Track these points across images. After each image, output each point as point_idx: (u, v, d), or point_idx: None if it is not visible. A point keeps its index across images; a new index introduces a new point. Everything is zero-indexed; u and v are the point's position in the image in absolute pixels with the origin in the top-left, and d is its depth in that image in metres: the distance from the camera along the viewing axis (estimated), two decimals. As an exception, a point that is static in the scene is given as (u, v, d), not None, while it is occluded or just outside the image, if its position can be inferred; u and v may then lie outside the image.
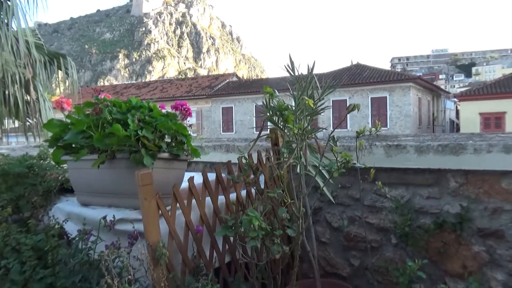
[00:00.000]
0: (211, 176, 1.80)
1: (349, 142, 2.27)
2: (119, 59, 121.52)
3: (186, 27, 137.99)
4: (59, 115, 2.06)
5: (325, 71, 26.00)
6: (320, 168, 1.68)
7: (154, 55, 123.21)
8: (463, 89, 35.59)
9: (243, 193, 1.96)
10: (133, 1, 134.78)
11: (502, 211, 1.85)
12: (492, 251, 1.88)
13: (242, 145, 2.57)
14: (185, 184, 1.77)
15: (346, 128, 21.61)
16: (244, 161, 1.78)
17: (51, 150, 2.17)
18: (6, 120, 5.92)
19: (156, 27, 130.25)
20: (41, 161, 2.20)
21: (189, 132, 1.82)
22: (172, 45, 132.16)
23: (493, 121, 22.64)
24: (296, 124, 1.62)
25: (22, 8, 5.23)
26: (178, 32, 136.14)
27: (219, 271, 1.82)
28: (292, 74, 2.12)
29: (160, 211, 1.54)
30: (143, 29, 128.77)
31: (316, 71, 2.14)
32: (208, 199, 1.77)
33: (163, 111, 1.79)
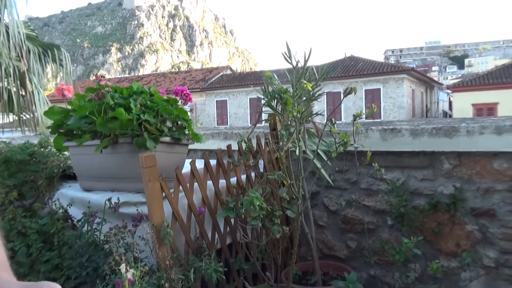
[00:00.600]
0: (211, 162, 1.84)
1: (346, 127, 2.31)
2: (112, 53, 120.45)
3: (179, 20, 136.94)
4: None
5: (319, 64, 26.02)
6: (319, 150, 1.73)
7: (147, 49, 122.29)
8: (456, 81, 35.82)
9: (243, 177, 2.01)
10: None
11: (494, 191, 1.91)
12: (485, 230, 1.95)
13: (240, 132, 2.61)
14: (185, 170, 1.81)
15: (340, 120, 21.70)
16: (243, 145, 1.82)
17: (51, 139, 2.20)
18: (0, 115, 5.88)
19: (148, 20, 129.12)
20: (42, 149, 2.22)
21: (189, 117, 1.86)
22: (165, 38, 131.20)
23: (485, 112, 22.85)
24: (294, 107, 1.66)
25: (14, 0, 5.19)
26: (170, 25, 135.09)
27: (221, 253, 1.86)
28: (289, 61, 2.15)
29: (163, 193, 1.58)
30: (135, 22, 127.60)
31: (310, 63, 2.17)
32: (209, 182, 1.81)
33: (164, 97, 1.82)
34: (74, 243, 1.55)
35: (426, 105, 28.75)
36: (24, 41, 5.08)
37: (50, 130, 1.92)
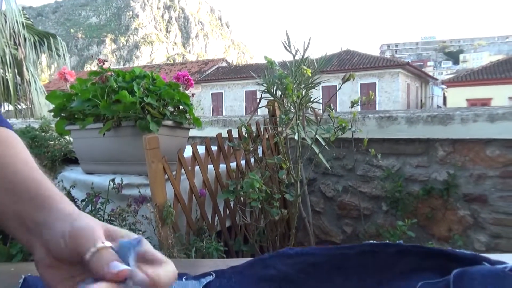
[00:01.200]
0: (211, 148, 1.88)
1: (343, 116, 2.36)
2: (106, 44, 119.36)
3: (174, 12, 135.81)
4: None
5: (315, 57, 25.98)
6: (318, 135, 1.77)
7: (141, 40, 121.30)
8: (450, 76, 36.03)
9: (242, 162, 2.05)
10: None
11: (486, 177, 1.97)
12: (476, 215, 2.01)
13: (238, 119, 2.64)
14: (186, 155, 1.85)
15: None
16: (243, 130, 1.86)
17: (52, 124, 2.22)
18: (-3, 104, 5.85)
19: (143, 11, 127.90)
20: (43, 133, 2.24)
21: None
22: (160, 30, 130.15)
23: (479, 107, 23.03)
24: (294, 93, 1.70)
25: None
26: (166, 16, 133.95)
27: (221, 235, 1.91)
28: (289, 50, 2.19)
29: (166, 175, 1.62)
30: (130, 13, 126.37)
31: (307, 54, 2.21)
32: (210, 167, 1.85)
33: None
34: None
35: (421, 100, 28.90)
36: (22, 29, 5.05)
37: (52, 113, 1.95)
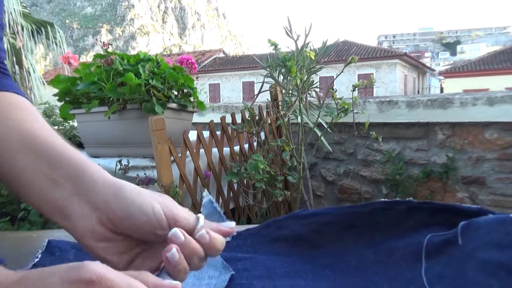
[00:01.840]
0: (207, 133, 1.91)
1: (344, 100, 2.39)
2: (102, 35, 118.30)
3: (171, 2, 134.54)
4: (50, 89, 2.10)
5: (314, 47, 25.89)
6: (320, 119, 1.80)
7: (138, 31, 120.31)
8: (447, 67, 36.07)
9: (245, 146, 2.08)
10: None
11: (484, 160, 2.01)
12: (474, 197, 2.06)
13: (240, 105, 2.67)
14: (191, 139, 1.88)
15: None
16: (247, 113, 1.89)
17: (56, 109, 2.24)
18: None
19: (139, 1, 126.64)
20: (47, 118, 2.26)
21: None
22: (156, 20, 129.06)
23: (476, 98, 23.10)
24: (297, 76, 1.72)
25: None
26: (162, 7, 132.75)
27: (224, 216, 1.95)
28: (290, 35, 2.21)
29: (171, 157, 1.65)
30: (126, 3, 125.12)
31: (307, 41, 2.23)
32: (214, 149, 1.89)
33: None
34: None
35: (418, 91, 28.97)
36: (19, 17, 5.03)
37: (57, 97, 1.96)
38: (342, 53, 24.88)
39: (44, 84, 5.80)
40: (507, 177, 1.95)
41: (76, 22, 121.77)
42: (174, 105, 1.79)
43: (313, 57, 1.75)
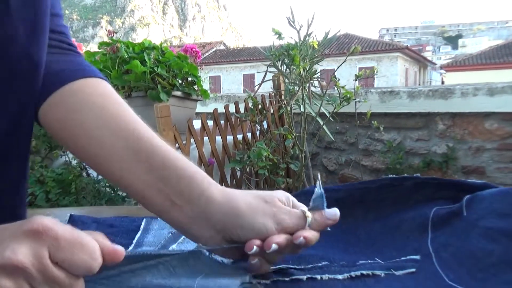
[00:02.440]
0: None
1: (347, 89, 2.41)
2: (102, 26, 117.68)
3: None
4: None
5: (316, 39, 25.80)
6: (322, 108, 1.82)
7: (138, 22, 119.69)
8: (449, 61, 35.97)
9: (248, 135, 2.10)
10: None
11: (484, 150, 2.03)
12: (473, 186, 2.09)
13: (243, 95, 2.69)
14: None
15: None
16: (250, 102, 1.91)
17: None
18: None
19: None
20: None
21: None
22: (157, 12, 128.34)
23: (476, 92, 23.08)
24: (301, 64, 1.74)
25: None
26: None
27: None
28: (293, 25, 2.22)
29: (176, 144, 1.67)
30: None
31: (309, 31, 2.24)
32: (218, 138, 1.91)
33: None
34: (93, 188, 1.64)
35: (419, 85, 28.93)
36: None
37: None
38: (344, 46, 24.77)
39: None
40: (506, 166, 1.98)
41: (76, 13, 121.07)
42: (178, 93, 1.80)
43: (316, 46, 1.76)
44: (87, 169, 1.86)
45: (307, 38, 2.06)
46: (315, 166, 2.58)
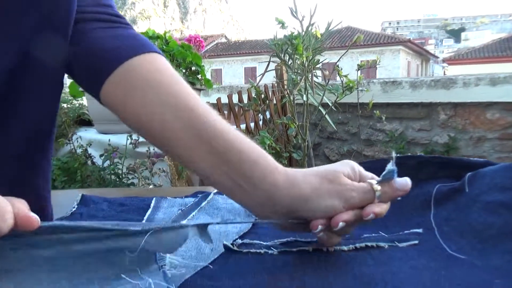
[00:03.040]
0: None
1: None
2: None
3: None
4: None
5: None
6: (325, 96, 1.83)
7: (139, 15, 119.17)
8: (451, 54, 35.79)
9: (251, 124, 2.12)
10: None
11: (485, 139, 2.05)
12: (474, 176, 2.10)
13: (245, 86, 2.70)
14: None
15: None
16: (253, 91, 1.92)
17: (65, 87, 2.27)
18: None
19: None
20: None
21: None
22: (158, 4, 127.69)
23: (479, 85, 22.98)
24: (304, 54, 1.75)
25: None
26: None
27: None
28: (295, 15, 2.22)
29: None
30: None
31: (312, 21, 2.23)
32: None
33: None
34: (97, 175, 1.66)
35: (421, 78, 28.83)
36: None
37: (67, 75, 1.99)
38: (346, 39, 24.65)
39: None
40: (507, 156, 1.99)
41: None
42: (182, 82, 1.82)
43: (319, 36, 1.77)
44: (92, 157, 1.88)
45: (309, 28, 2.07)
46: (317, 156, 2.59)
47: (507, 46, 23.32)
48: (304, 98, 1.85)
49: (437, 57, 36.66)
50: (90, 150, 1.94)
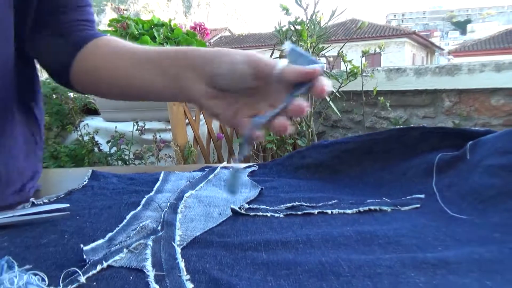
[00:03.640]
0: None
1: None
2: (106, 13, 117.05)
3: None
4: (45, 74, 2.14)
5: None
6: (330, 81, 1.84)
7: (142, 9, 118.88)
8: (457, 47, 35.40)
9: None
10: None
11: (490, 126, 2.05)
12: (479, 163, 2.11)
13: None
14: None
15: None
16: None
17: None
18: None
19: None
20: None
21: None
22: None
23: (485, 77, 22.76)
24: (308, 40, 1.76)
25: None
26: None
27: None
28: (299, 3, 2.22)
29: (186, 119, 1.71)
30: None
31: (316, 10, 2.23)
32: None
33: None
34: (104, 161, 1.69)
35: (426, 70, 28.60)
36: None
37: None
38: (350, 31, 24.47)
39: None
40: None
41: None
42: (187, 69, 1.83)
43: (324, 20, 1.77)
44: (99, 144, 1.91)
45: (313, 17, 2.07)
46: (321, 144, 2.60)
47: (514, 37, 23.03)
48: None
49: (443, 49, 36.32)
50: (97, 138, 1.97)
